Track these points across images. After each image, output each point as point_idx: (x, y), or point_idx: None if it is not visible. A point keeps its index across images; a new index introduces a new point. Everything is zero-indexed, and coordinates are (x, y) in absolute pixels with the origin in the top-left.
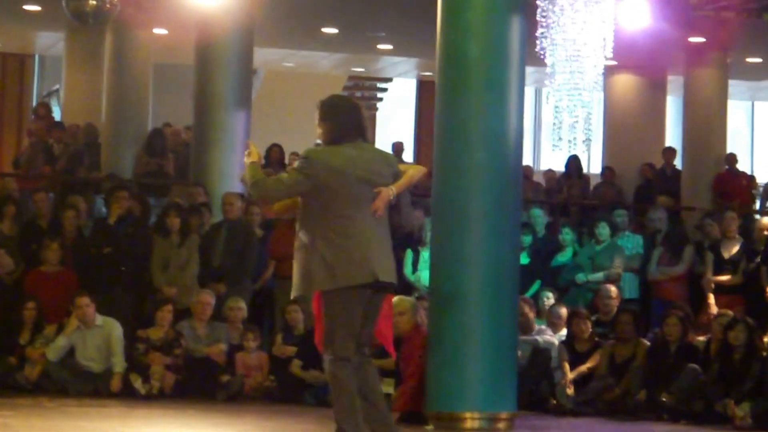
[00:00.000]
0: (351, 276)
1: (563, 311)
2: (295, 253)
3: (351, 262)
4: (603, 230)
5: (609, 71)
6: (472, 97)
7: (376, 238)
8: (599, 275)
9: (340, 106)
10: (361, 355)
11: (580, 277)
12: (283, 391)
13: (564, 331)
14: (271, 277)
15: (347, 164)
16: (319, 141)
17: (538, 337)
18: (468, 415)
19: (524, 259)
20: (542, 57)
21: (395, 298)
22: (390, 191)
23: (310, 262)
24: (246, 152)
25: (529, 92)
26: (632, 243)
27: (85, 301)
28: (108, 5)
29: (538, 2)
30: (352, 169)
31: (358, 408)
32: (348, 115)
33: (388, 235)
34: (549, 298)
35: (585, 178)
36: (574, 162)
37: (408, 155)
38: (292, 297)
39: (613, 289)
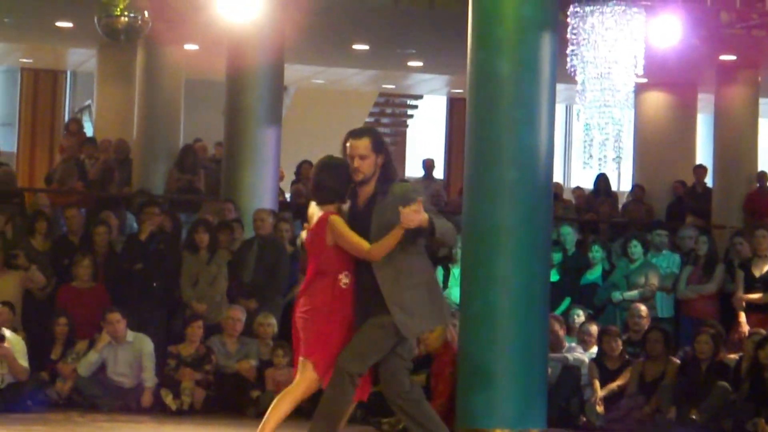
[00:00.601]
0: (439, 318)
1: (594, 329)
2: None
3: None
4: (635, 249)
5: (639, 89)
6: (502, 114)
7: None
8: (634, 293)
9: None
10: None
11: (616, 296)
12: (313, 407)
13: (594, 349)
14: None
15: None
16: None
17: (568, 355)
18: None
19: (554, 277)
20: (573, 74)
21: None
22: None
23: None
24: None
25: (559, 109)
26: (668, 262)
27: (116, 316)
28: (139, 22)
29: (568, 20)
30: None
31: None
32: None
33: None
34: (579, 316)
35: (614, 197)
36: (602, 180)
37: (439, 172)
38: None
39: (642, 308)
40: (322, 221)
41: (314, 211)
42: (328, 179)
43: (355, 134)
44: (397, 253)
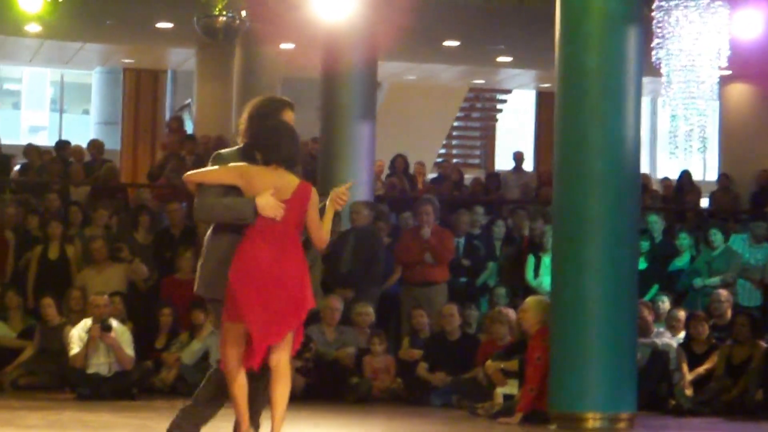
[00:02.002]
0: None
1: (681, 314)
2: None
3: None
4: (716, 236)
5: (724, 80)
6: (590, 106)
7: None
8: (715, 280)
9: None
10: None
11: (698, 282)
12: (410, 393)
13: (682, 334)
14: (396, 282)
15: None
16: None
17: (657, 340)
18: (590, 415)
19: (642, 264)
20: (658, 67)
21: (526, 299)
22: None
23: None
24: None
25: (645, 102)
26: (764, 254)
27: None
28: (237, 22)
29: (653, 14)
30: None
31: None
32: None
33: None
34: (664, 302)
35: (696, 190)
36: (686, 176)
37: (528, 164)
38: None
39: (723, 294)
40: (307, 190)
41: (283, 179)
42: (297, 147)
43: (293, 107)
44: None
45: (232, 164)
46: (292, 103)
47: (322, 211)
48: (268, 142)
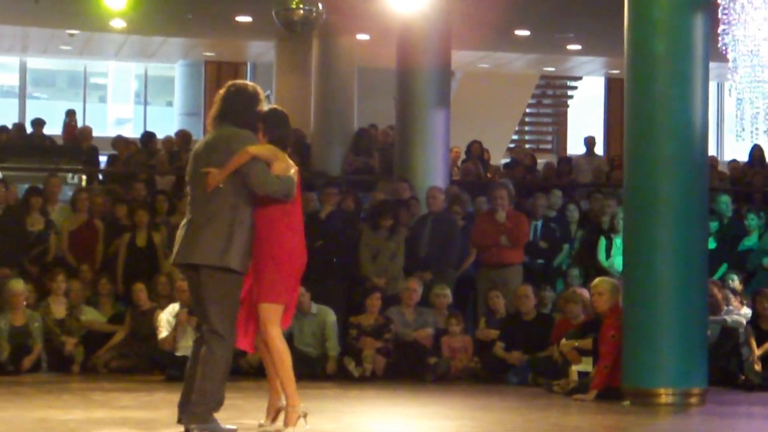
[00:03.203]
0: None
1: (748, 292)
2: None
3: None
4: None
5: None
6: (659, 91)
7: (189, 221)
8: None
9: (219, 94)
10: (200, 331)
11: (766, 261)
12: (487, 372)
13: (749, 311)
14: (472, 265)
15: (194, 152)
16: None
17: (727, 317)
18: (662, 391)
19: (711, 244)
20: (724, 52)
21: (597, 279)
22: (213, 172)
23: None
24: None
25: (712, 87)
26: None
27: (301, 290)
28: (314, 14)
29: (719, 1)
30: (195, 156)
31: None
32: (220, 103)
33: (210, 217)
34: (734, 281)
35: (764, 171)
36: (757, 151)
37: (599, 149)
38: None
39: None
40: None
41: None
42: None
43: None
44: None
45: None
46: None
47: None
48: (281, 128)
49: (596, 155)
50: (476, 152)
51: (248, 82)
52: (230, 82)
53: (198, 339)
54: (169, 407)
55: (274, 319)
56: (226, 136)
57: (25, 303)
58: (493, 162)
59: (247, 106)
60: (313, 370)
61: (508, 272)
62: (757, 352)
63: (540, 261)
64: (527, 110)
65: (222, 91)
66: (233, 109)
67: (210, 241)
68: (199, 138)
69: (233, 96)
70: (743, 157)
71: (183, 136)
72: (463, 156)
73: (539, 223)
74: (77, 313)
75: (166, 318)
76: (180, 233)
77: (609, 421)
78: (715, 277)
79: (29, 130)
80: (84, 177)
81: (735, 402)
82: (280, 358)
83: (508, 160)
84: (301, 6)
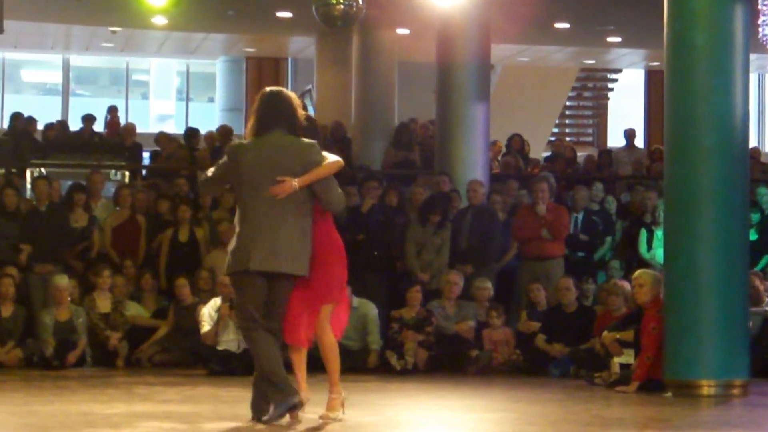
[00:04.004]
0: (230, 264)
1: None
2: None
3: (235, 250)
4: None
5: None
6: (699, 83)
7: (268, 226)
8: None
9: (263, 98)
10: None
11: None
12: (529, 364)
13: None
14: (513, 258)
15: (255, 156)
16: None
17: None
18: (704, 382)
19: (753, 236)
20: (764, 43)
21: (638, 271)
22: (291, 181)
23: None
24: None
25: (752, 78)
26: None
27: None
28: (354, 9)
29: None
30: (257, 161)
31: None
32: (267, 108)
33: (292, 225)
34: None
35: None
36: None
37: (639, 141)
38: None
39: None
40: None
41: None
42: None
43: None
44: None
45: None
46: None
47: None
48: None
49: (636, 147)
50: (516, 146)
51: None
52: (271, 88)
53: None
54: (211, 401)
55: (329, 315)
56: (294, 143)
57: (69, 298)
58: (533, 155)
59: (295, 112)
60: (354, 364)
61: (549, 265)
62: None
63: (581, 254)
64: (567, 103)
65: (266, 94)
66: (285, 114)
67: (288, 249)
68: (241, 134)
69: (284, 101)
70: None
71: (224, 132)
72: (503, 150)
73: (580, 216)
74: (121, 308)
75: (209, 312)
76: (249, 237)
77: (651, 412)
78: (757, 268)
79: (73, 127)
80: (127, 173)
81: None
82: (336, 351)
83: (548, 153)
84: (341, 1)
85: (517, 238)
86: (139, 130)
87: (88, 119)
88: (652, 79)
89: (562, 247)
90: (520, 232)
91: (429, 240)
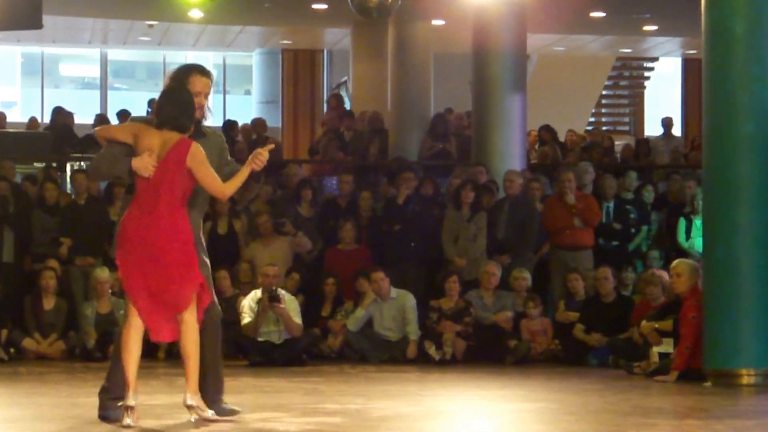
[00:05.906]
0: None
1: None
2: None
3: None
4: None
5: None
6: (737, 71)
7: None
8: None
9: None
10: None
11: None
12: (567, 354)
13: None
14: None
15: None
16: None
17: None
18: (744, 371)
19: None
20: None
21: (675, 261)
22: None
23: None
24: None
25: None
26: None
27: (380, 275)
28: (390, 0)
29: None
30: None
31: None
32: None
33: None
34: None
35: None
36: None
37: (677, 130)
38: None
39: None
40: (184, 147)
41: (166, 139)
42: (181, 109)
43: (203, 71)
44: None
45: (129, 123)
46: (202, 67)
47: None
48: (157, 105)
49: (674, 136)
50: (546, 137)
51: None
52: None
53: None
54: (252, 391)
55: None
56: None
57: (110, 291)
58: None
59: None
60: (393, 354)
61: (580, 256)
62: None
63: (614, 243)
64: (604, 92)
65: None
66: None
67: None
68: (277, 126)
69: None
70: None
71: (260, 124)
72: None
73: (611, 205)
74: None
75: (249, 304)
76: None
77: (690, 402)
78: None
79: (113, 121)
80: None
81: None
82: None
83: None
84: None
85: (548, 228)
86: None
87: (123, 114)
88: (689, 67)
89: (592, 238)
90: (551, 222)
91: (464, 227)
